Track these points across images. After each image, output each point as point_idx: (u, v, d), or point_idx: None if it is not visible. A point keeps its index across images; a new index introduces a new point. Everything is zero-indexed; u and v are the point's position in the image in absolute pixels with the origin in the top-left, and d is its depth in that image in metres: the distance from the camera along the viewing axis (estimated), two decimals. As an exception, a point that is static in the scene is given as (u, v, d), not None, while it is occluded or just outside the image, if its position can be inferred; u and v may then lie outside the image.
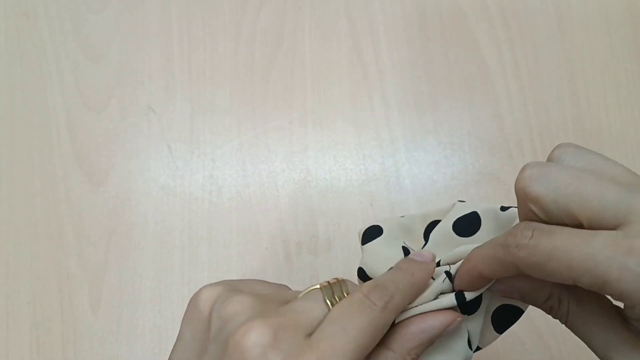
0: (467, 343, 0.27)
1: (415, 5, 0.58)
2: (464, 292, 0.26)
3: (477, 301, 0.27)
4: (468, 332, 0.27)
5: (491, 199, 0.52)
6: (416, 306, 0.26)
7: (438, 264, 0.27)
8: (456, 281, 0.26)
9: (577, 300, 0.24)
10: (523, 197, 0.22)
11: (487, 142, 0.54)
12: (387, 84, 0.56)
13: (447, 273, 0.27)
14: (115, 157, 0.53)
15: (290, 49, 0.57)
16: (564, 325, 0.26)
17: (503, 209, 0.28)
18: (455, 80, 0.56)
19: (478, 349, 0.29)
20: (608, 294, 0.20)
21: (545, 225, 0.22)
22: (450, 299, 0.26)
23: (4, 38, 0.57)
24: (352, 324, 0.23)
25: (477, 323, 0.28)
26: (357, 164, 0.53)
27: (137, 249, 0.51)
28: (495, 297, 0.28)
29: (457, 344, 0.27)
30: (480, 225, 0.28)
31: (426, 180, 0.53)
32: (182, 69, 0.56)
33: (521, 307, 0.28)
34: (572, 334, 0.25)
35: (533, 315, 0.49)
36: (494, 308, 0.28)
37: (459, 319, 0.26)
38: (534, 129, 0.54)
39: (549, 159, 0.25)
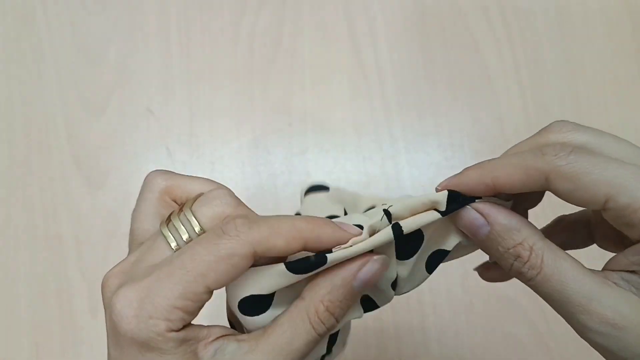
0: (390, 285, 0.26)
1: (414, 6, 0.58)
2: (400, 223, 0.24)
3: (414, 244, 0.25)
4: (397, 275, 0.26)
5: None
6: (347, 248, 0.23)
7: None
8: (447, 183, 0.24)
9: (551, 249, 0.23)
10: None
11: (487, 143, 0.54)
12: (386, 86, 0.55)
13: (386, 212, 0.24)
14: (114, 160, 0.53)
15: (289, 51, 0.56)
16: (529, 288, 0.24)
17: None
18: (455, 82, 0.56)
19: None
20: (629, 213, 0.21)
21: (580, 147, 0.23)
22: (387, 233, 0.24)
23: (2, 40, 0.57)
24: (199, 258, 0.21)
25: (407, 268, 0.26)
26: (357, 165, 0.53)
27: (137, 251, 0.51)
28: (432, 244, 0.26)
29: (382, 284, 0.26)
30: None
31: (426, 182, 0.53)
32: (181, 70, 0.56)
33: (447, 248, 0.26)
34: (572, 334, 0.24)
35: (533, 316, 0.49)
36: (429, 254, 0.26)
37: (375, 257, 0.24)
38: (534, 130, 0.53)
39: (545, 137, 0.25)
